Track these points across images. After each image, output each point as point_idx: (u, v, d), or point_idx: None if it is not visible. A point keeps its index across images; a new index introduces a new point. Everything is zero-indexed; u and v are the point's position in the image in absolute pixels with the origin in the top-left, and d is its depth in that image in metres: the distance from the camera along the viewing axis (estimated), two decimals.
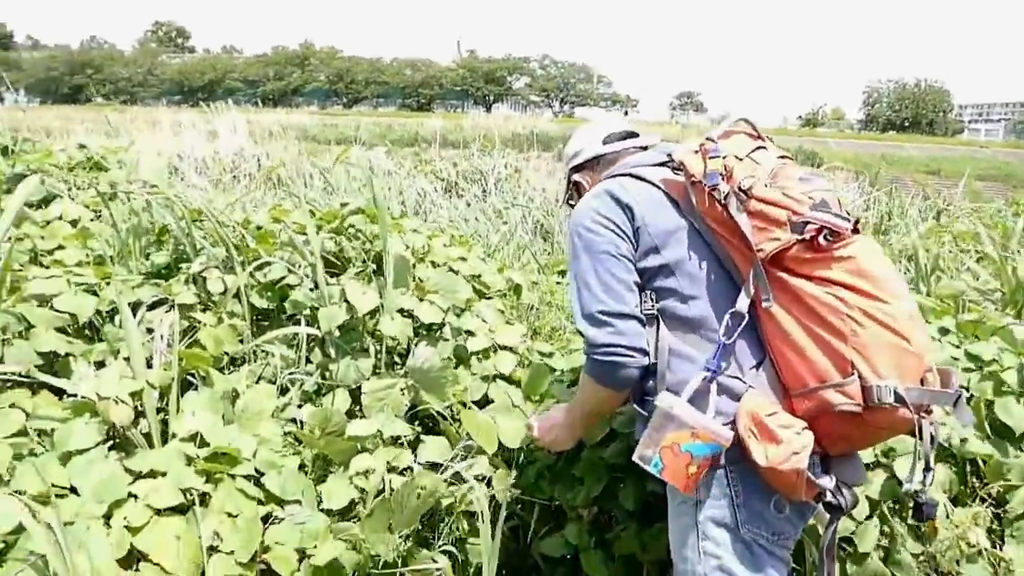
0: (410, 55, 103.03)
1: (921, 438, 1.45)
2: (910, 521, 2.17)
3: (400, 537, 1.88)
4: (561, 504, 2.22)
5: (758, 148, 1.69)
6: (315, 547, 1.73)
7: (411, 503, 1.90)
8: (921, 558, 2.17)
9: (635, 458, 1.59)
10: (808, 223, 1.50)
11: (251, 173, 7.84)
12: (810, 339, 1.52)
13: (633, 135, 2.03)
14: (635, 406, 1.74)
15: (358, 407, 2.32)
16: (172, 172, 7.11)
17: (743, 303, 1.60)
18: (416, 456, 2.15)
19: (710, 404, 1.57)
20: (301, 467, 2.00)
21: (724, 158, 1.64)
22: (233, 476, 1.77)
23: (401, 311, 2.58)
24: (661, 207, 1.73)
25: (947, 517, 2.14)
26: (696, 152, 1.70)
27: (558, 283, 4.24)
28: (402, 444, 2.16)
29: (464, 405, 2.39)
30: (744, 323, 1.60)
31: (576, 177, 2.05)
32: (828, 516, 1.63)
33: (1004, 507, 2.20)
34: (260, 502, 1.79)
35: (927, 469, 1.50)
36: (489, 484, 2.11)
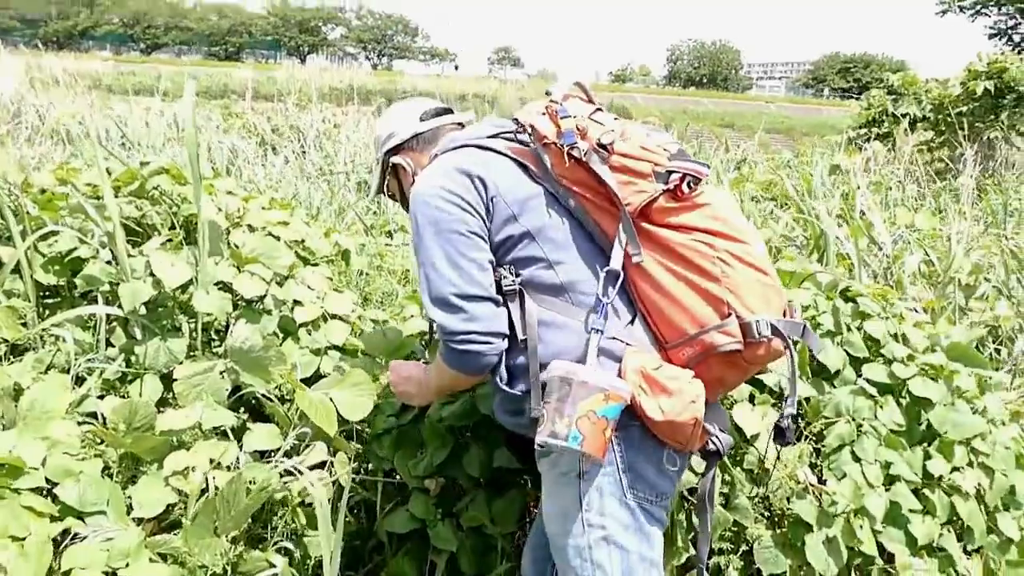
0: (216, 0, 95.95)
1: (792, 366, 1.56)
2: (745, 467, 2.25)
3: (228, 541, 1.68)
4: (403, 478, 2.09)
5: (596, 110, 1.67)
6: (127, 566, 1.50)
7: (240, 502, 1.70)
8: (756, 499, 2.26)
9: (543, 439, 1.48)
10: (672, 172, 1.53)
11: (33, 126, 6.92)
12: (685, 286, 1.54)
13: (448, 111, 1.96)
14: (501, 386, 1.64)
15: (171, 395, 2.06)
16: None
17: (617, 260, 1.56)
18: (242, 447, 1.93)
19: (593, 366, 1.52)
20: (105, 470, 1.74)
21: (575, 118, 1.59)
22: (17, 491, 1.50)
23: (217, 284, 2.32)
24: (513, 175, 1.66)
25: (777, 458, 2.23)
26: (543, 114, 1.64)
27: (387, 245, 4.06)
28: (225, 435, 1.94)
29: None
30: (620, 281, 1.57)
31: (395, 160, 1.91)
32: (706, 463, 1.69)
33: (822, 443, 2.33)
34: (54, 518, 1.53)
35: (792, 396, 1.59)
36: (330, 471, 1.94)
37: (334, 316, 2.56)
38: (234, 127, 8.29)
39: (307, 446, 1.96)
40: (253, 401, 2.20)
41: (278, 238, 2.75)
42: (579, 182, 1.61)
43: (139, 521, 1.65)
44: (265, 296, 2.45)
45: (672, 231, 1.55)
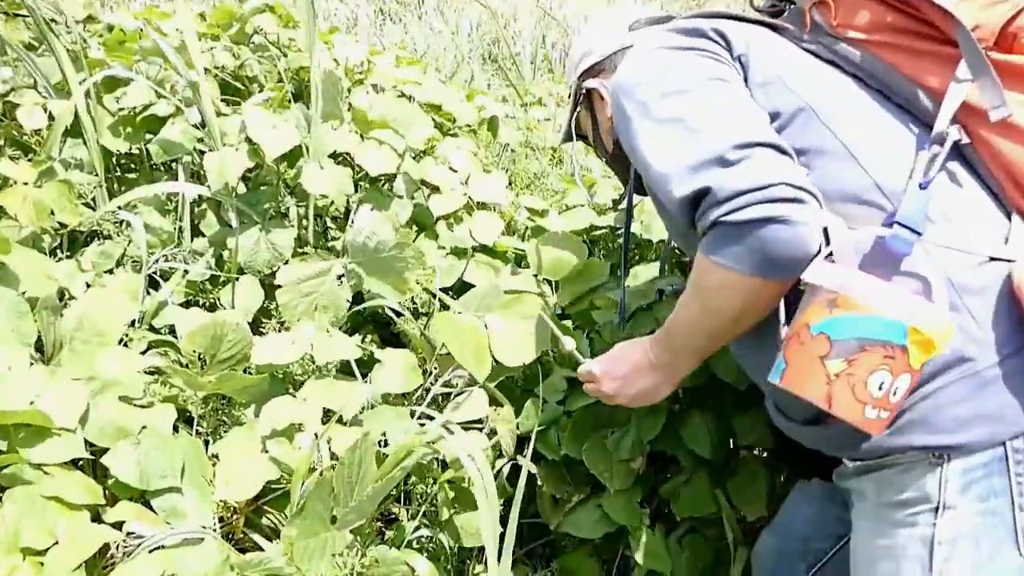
0: None
1: None
2: None
3: (354, 535, 1.14)
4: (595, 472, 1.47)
5: None
6: None
7: (367, 476, 1.14)
8: None
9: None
10: None
11: None
12: None
13: (669, 19, 1.37)
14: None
15: (274, 305, 1.51)
16: None
17: (944, 120, 0.97)
18: (371, 384, 1.37)
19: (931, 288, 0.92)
20: (181, 425, 1.21)
21: None
22: (41, 468, 0.98)
23: (335, 156, 1.73)
24: (766, 37, 1.13)
25: None
26: None
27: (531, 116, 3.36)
28: (348, 370, 1.39)
29: (434, 298, 1.61)
30: (944, 154, 0.97)
31: (591, 84, 1.40)
32: None
33: None
34: (98, 510, 1.01)
35: None
36: (492, 434, 1.35)
37: (482, 205, 1.94)
38: None
39: (458, 392, 1.37)
40: (373, 320, 1.64)
41: (411, 99, 2.13)
42: (877, 26, 1.05)
43: (225, 508, 1.12)
44: (396, 176, 1.85)
45: None
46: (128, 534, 1.00)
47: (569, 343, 1.35)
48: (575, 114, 1.48)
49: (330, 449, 1.20)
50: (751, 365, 1.17)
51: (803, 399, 0.91)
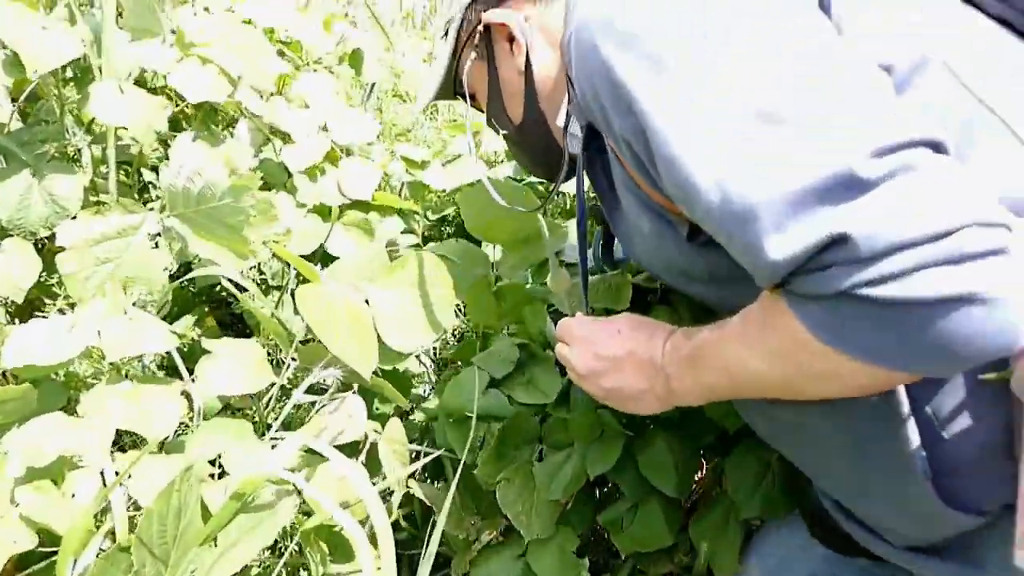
0: None
1: None
2: None
3: None
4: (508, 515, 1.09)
5: None
6: None
7: (189, 536, 0.73)
8: None
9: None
10: None
11: None
12: None
13: None
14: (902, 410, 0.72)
15: (56, 279, 1.05)
16: None
17: None
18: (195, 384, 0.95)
19: None
20: None
21: None
22: None
23: (142, 79, 1.28)
24: None
25: None
26: None
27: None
28: (166, 369, 0.96)
29: (289, 267, 1.19)
30: None
31: (495, 16, 0.99)
32: None
33: None
34: None
35: None
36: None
37: (348, 152, 1.53)
38: None
39: (330, 395, 0.97)
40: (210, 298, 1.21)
41: (252, 24, 1.68)
42: None
43: None
44: (236, 121, 1.41)
45: None
46: None
47: (564, 278, 1.02)
48: (457, 60, 1.06)
49: (128, 496, 0.77)
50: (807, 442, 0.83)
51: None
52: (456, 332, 1.57)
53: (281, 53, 1.68)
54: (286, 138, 1.45)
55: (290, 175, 1.43)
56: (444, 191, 1.77)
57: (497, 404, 1.10)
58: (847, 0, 0.70)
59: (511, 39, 0.99)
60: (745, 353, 0.70)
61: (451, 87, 1.10)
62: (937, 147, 0.55)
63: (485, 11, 0.99)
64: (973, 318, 0.51)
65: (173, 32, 1.37)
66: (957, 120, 0.66)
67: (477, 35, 1.01)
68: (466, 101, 1.10)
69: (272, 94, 1.59)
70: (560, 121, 0.95)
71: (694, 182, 0.60)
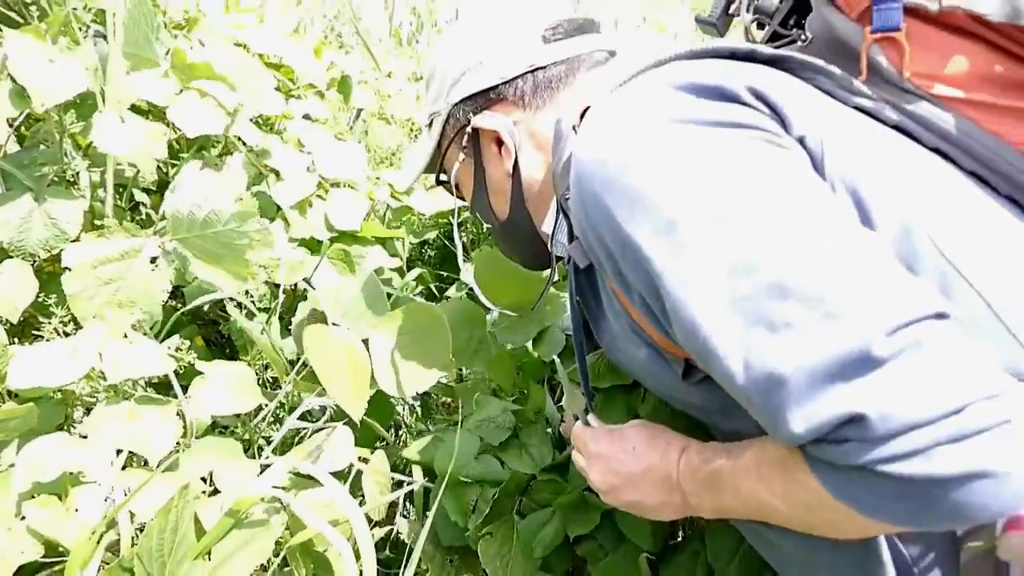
0: None
1: None
2: None
3: None
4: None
5: None
6: None
7: (183, 551, 0.79)
8: None
9: None
10: None
11: None
12: None
13: (590, 25, 1.01)
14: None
15: (52, 301, 1.10)
16: None
17: None
18: (188, 404, 1.01)
19: None
20: None
21: None
22: None
23: (138, 107, 1.34)
24: (807, 96, 0.74)
25: None
26: None
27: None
28: (160, 387, 1.02)
29: (278, 290, 1.25)
30: None
31: (485, 121, 0.99)
32: None
33: None
34: None
35: None
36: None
37: (336, 184, 1.60)
38: None
39: (316, 426, 1.03)
40: (206, 323, 1.27)
41: (246, 47, 1.74)
42: (978, 79, 0.71)
43: None
44: (231, 153, 1.47)
45: None
46: None
47: (578, 399, 1.01)
48: (443, 154, 1.07)
49: (129, 512, 0.83)
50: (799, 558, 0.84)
51: None
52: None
53: (274, 77, 1.73)
54: (277, 174, 1.51)
55: (279, 209, 1.49)
56: (425, 215, 1.84)
57: (490, 470, 1.14)
58: (839, 162, 0.70)
59: (499, 143, 1.00)
60: (761, 490, 0.71)
61: (434, 170, 1.12)
62: (941, 316, 0.57)
63: (475, 114, 0.99)
64: (986, 491, 0.54)
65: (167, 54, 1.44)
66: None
67: (465, 136, 1.02)
68: (450, 192, 1.12)
69: (270, 131, 1.65)
70: (547, 228, 0.98)
71: (716, 352, 0.62)
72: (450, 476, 1.09)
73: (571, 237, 0.87)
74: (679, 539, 1.26)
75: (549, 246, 0.98)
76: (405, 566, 0.95)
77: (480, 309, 1.32)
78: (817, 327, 0.57)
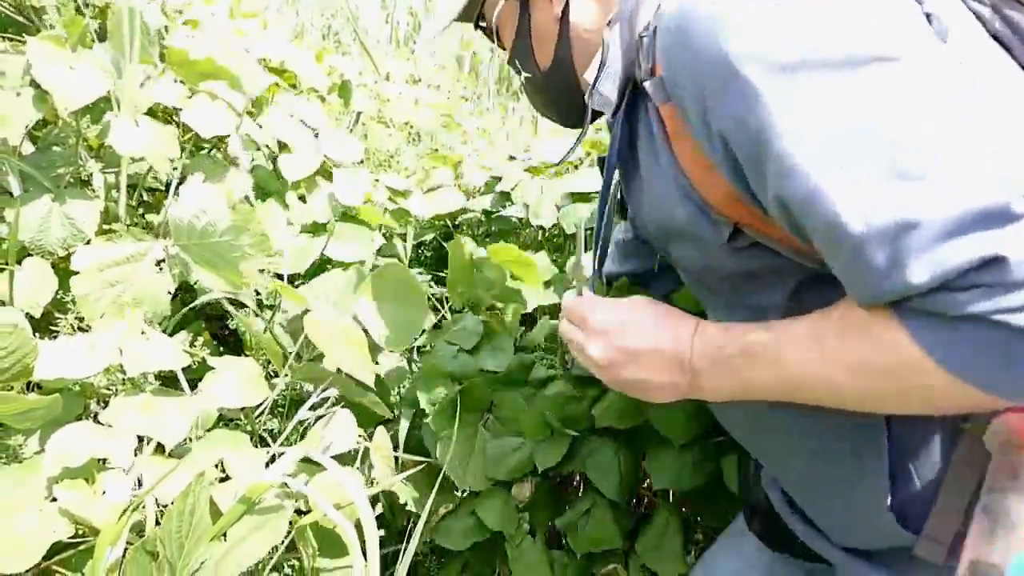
0: None
1: None
2: None
3: None
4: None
5: None
6: None
7: (199, 533, 0.85)
8: None
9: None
10: None
11: None
12: None
13: None
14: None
15: (71, 297, 1.16)
16: None
17: None
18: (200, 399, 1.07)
19: None
20: None
21: None
22: None
23: (154, 111, 1.39)
24: None
25: None
26: None
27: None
28: (171, 381, 1.08)
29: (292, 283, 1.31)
30: None
31: None
32: None
33: None
34: None
35: None
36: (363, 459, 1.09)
37: (336, 165, 1.67)
38: None
39: (318, 413, 1.10)
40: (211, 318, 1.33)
41: (247, 52, 1.79)
42: None
43: None
44: (230, 137, 1.53)
45: None
46: None
47: (585, 267, 0.96)
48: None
49: (151, 496, 0.90)
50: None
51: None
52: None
53: (276, 83, 1.79)
54: (283, 147, 1.56)
55: (288, 187, 1.55)
56: (422, 218, 1.90)
57: (465, 367, 1.29)
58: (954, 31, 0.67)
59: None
60: (814, 360, 0.67)
61: (472, 14, 1.04)
62: None
63: None
64: None
65: (162, 56, 1.49)
66: None
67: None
68: (489, 37, 1.06)
69: (268, 104, 1.71)
70: (590, 76, 0.91)
71: (827, 196, 0.60)
72: (426, 369, 1.24)
73: (622, 89, 0.83)
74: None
75: (586, 97, 0.91)
76: (404, 551, 1.02)
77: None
78: (955, 180, 0.56)
